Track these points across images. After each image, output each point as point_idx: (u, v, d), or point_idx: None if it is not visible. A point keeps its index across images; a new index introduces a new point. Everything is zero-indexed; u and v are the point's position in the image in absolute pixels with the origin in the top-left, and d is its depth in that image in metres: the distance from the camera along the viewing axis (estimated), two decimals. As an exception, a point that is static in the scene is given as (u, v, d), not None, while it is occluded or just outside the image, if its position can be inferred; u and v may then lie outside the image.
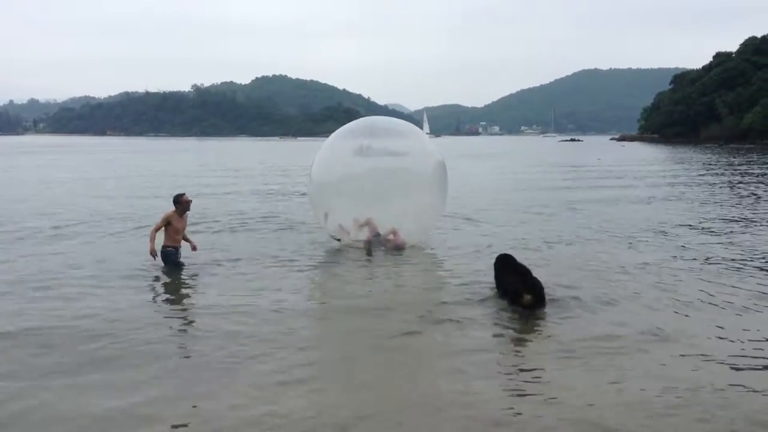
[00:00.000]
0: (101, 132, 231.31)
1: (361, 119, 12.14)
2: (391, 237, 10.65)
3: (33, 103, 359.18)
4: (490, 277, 8.52)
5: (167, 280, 8.99)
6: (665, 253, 10.77)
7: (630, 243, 11.76)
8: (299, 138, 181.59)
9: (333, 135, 11.51)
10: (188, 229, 9.97)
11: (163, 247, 9.39)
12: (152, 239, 9.30)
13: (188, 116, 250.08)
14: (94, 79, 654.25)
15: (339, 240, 10.94)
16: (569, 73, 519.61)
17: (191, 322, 7.18)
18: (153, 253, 9.22)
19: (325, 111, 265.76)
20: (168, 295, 8.35)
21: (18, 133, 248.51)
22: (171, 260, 9.40)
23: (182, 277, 9.15)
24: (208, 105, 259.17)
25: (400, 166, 10.81)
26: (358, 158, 10.93)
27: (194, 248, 9.71)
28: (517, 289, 7.40)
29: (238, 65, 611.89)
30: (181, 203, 9.52)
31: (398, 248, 10.57)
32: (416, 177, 10.80)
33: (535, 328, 6.87)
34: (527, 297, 7.29)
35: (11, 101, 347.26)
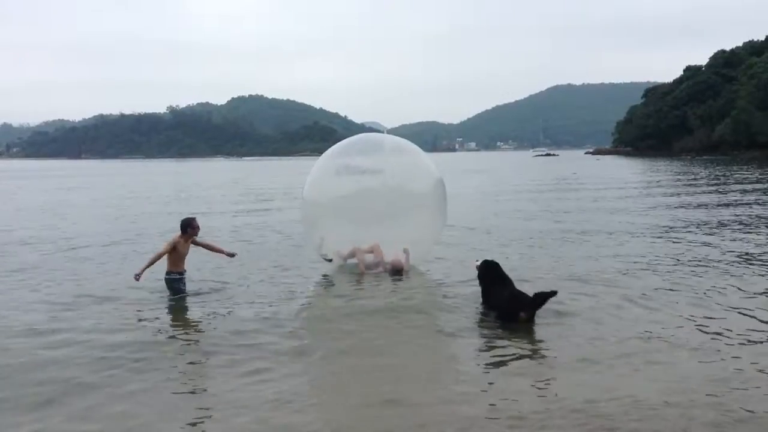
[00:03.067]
0: (76, 155, 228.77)
1: (355, 136, 11.84)
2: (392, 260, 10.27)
3: (6, 127, 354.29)
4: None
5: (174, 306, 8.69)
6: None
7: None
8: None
9: (325, 154, 11.20)
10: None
11: (167, 273, 8.97)
12: (150, 263, 8.80)
13: (164, 137, 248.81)
14: (68, 102, 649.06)
15: (330, 260, 10.70)
16: (543, 89, 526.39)
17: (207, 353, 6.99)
18: (137, 277, 8.66)
19: (302, 130, 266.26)
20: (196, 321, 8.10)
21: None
22: (175, 288, 8.97)
23: (188, 303, 8.81)
24: (184, 126, 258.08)
25: (397, 185, 10.39)
26: (352, 178, 10.65)
27: (232, 255, 9.46)
28: (515, 309, 7.51)
29: (213, 86, 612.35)
30: (193, 228, 9.06)
31: (398, 271, 10.15)
32: (414, 196, 10.44)
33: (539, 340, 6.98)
34: (523, 315, 7.47)
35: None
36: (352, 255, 10.41)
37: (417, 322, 7.74)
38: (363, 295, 9.15)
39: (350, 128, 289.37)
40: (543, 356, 6.49)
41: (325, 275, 10.52)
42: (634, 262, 11.07)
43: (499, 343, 6.88)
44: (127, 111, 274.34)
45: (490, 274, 8.13)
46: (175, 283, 8.99)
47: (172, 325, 7.85)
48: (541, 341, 6.96)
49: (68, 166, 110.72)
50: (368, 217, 10.18)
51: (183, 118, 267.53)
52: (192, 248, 9.28)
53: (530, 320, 7.50)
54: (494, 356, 6.48)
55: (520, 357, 6.45)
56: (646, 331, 7.03)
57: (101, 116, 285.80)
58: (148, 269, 8.77)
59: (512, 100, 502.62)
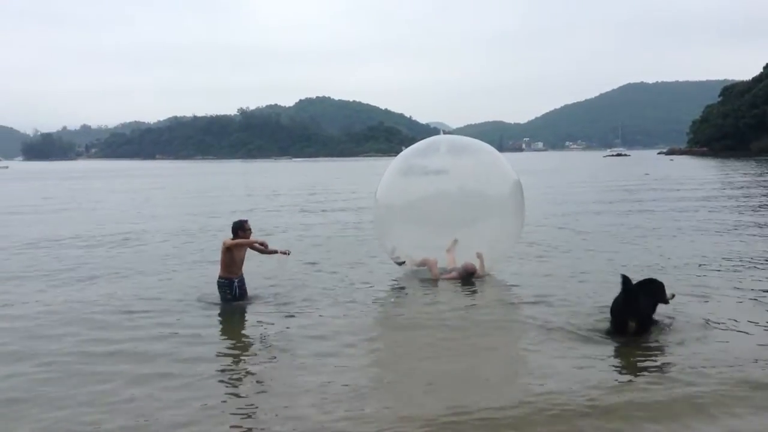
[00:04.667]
0: (151, 156, 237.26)
1: (431, 138, 11.66)
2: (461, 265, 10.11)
3: (85, 129, 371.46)
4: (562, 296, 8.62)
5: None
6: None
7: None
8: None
9: (400, 155, 11.08)
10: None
11: (219, 278, 8.84)
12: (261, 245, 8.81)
13: (234, 139, 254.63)
14: (144, 104, 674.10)
15: (402, 263, 10.56)
16: (615, 87, 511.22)
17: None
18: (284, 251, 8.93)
19: (367, 131, 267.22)
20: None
21: (71, 159, 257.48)
22: (222, 293, 8.79)
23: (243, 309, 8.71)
24: (253, 127, 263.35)
25: (473, 187, 10.18)
26: (426, 180, 10.48)
27: (286, 252, 9.13)
28: (621, 316, 6.97)
29: (282, 88, 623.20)
30: (244, 230, 8.81)
31: (470, 275, 9.96)
32: (491, 199, 10.22)
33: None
34: (632, 325, 6.94)
35: (64, 127, 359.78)
36: (423, 264, 10.32)
37: (487, 331, 7.60)
38: (433, 301, 9.10)
39: (415, 129, 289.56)
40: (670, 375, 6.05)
41: (396, 280, 10.46)
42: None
43: (572, 353, 6.66)
44: (200, 113, 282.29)
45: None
46: (223, 288, 8.79)
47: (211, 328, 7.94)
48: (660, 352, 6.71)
49: (152, 167, 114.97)
50: (443, 220, 10.01)
51: (252, 119, 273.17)
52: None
53: (642, 331, 6.94)
54: (573, 368, 6.30)
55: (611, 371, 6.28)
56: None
57: (175, 118, 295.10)
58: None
59: (582, 99, 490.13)
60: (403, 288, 10.07)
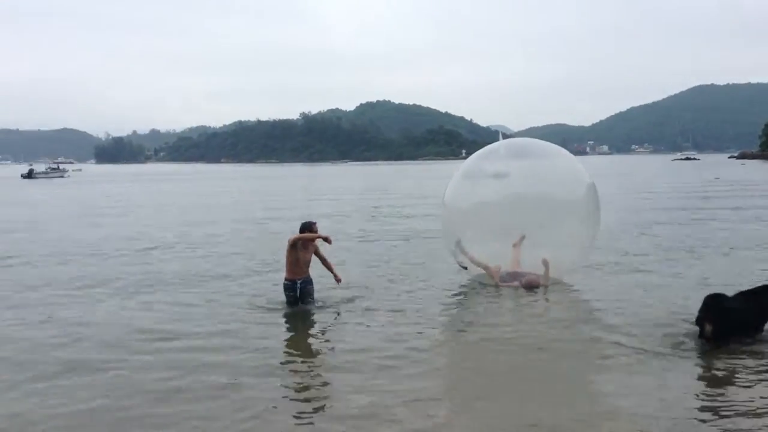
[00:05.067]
0: (216, 159, 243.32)
1: (501, 141, 11.49)
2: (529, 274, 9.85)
3: (154, 133, 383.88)
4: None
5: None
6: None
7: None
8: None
9: (469, 158, 10.93)
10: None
11: (284, 280, 8.77)
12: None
13: (297, 143, 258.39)
14: (211, 109, 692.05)
15: (465, 268, 10.43)
16: (684, 89, 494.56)
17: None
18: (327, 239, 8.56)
19: (426, 134, 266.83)
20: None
21: (140, 162, 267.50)
22: (287, 295, 8.72)
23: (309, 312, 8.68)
24: (314, 131, 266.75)
25: (545, 191, 9.94)
26: (496, 183, 10.27)
27: (339, 280, 8.98)
28: (701, 319, 6.64)
29: (343, 92, 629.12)
30: (312, 232, 8.67)
31: (532, 286, 9.70)
32: (563, 204, 9.94)
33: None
34: (708, 328, 6.62)
35: (134, 131, 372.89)
36: (486, 268, 10.15)
37: (554, 344, 7.28)
38: (497, 309, 8.94)
39: (475, 131, 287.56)
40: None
41: (461, 286, 10.27)
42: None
43: (647, 369, 6.34)
44: (264, 117, 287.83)
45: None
46: (286, 290, 8.72)
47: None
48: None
49: (217, 170, 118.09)
50: (511, 224, 9.83)
51: (314, 123, 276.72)
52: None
53: (718, 337, 6.51)
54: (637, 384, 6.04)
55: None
56: None
57: (239, 122, 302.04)
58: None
59: (649, 102, 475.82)
60: (466, 295, 9.94)
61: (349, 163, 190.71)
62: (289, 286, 8.67)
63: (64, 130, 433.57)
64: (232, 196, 38.09)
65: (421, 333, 7.73)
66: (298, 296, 8.69)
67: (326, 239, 8.54)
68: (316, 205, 29.71)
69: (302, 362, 6.92)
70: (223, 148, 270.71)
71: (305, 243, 8.59)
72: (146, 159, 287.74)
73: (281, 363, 6.87)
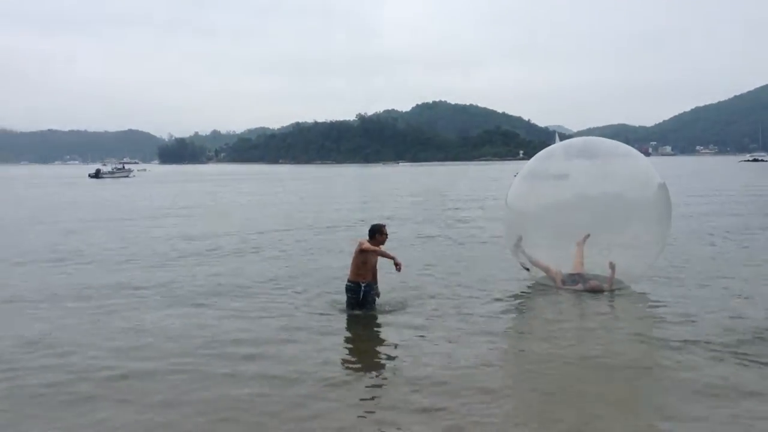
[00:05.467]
0: (274, 160, 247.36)
1: (568, 140, 11.15)
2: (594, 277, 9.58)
3: (215, 134, 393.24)
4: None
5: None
6: None
7: None
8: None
9: (533, 159, 10.68)
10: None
11: (347, 281, 8.60)
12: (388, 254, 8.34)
13: (353, 144, 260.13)
14: (270, 111, 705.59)
15: (528, 270, 10.20)
16: (751, 88, 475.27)
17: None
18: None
19: (483, 135, 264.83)
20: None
21: (202, 162, 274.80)
22: (348, 297, 8.53)
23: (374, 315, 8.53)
24: (370, 132, 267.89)
25: (612, 192, 9.62)
26: (560, 184, 10.00)
27: (398, 267, 8.32)
28: None
29: (400, 93, 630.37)
30: (381, 234, 8.52)
31: (595, 291, 9.39)
32: (632, 205, 9.59)
33: None
34: None
35: (196, 133, 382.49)
36: (547, 271, 9.94)
37: (615, 354, 7.01)
38: (558, 315, 8.71)
39: (533, 132, 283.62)
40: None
41: (521, 293, 10.02)
42: None
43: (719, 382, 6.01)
44: (321, 119, 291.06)
45: None
46: (349, 291, 8.54)
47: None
48: None
49: (275, 171, 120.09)
50: (578, 227, 9.53)
51: (370, 124, 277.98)
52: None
53: None
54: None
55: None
56: None
57: (297, 124, 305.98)
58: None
59: (714, 101, 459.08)
60: (526, 301, 9.71)
61: (405, 164, 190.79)
62: (353, 288, 8.50)
63: (130, 132, 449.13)
64: (293, 198, 38.54)
65: (479, 337, 7.61)
66: (360, 299, 8.51)
67: (397, 265, 8.27)
68: (373, 206, 29.76)
69: (362, 376, 6.66)
70: (281, 149, 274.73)
71: (374, 245, 8.41)
72: (207, 159, 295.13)
73: (341, 375, 6.58)
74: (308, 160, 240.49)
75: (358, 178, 75.06)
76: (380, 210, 26.71)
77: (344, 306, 8.75)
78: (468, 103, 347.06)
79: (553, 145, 10.97)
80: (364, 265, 8.41)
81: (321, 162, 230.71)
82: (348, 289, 8.54)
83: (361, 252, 8.38)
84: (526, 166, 10.77)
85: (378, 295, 8.76)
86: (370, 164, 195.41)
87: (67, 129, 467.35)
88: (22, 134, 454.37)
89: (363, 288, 8.47)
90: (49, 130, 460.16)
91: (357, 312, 8.52)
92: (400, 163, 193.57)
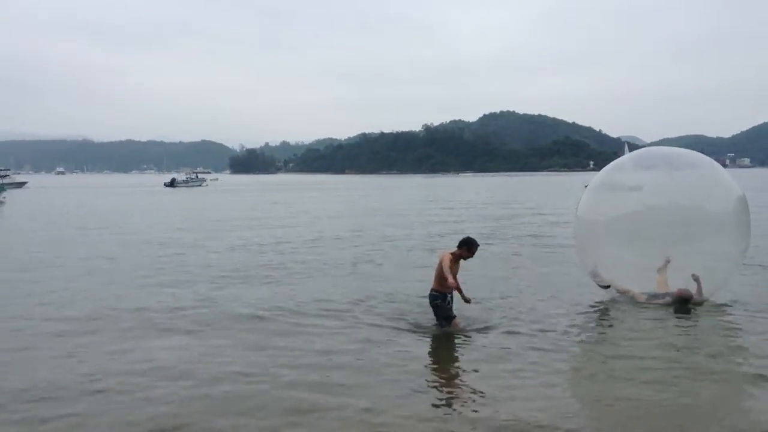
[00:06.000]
0: (341, 170, 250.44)
1: (641, 150, 10.85)
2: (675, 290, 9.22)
3: (284, 145, 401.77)
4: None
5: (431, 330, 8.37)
6: None
7: None
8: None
9: (605, 169, 10.45)
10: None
11: (431, 290, 8.34)
12: (454, 281, 8.06)
13: (418, 154, 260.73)
14: (337, 122, 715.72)
15: (606, 287, 9.84)
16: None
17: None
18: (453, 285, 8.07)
19: (552, 145, 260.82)
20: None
21: (272, 172, 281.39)
22: (438, 306, 8.29)
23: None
24: (436, 143, 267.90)
25: (690, 203, 9.36)
26: (634, 195, 9.76)
27: (468, 300, 8.40)
28: None
29: (466, 103, 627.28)
30: (469, 250, 8.19)
31: (684, 302, 9.06)
32: (710, 217, 9.32)
33: None
34: None
35: (266, 143, 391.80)
36: (626, 293, 9.61)
37: (706, 369, 6.76)
38: (641, 331, 8.37)
39: (604, 143, 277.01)
40: None
41: (600, 303, 9.77)
42: None
43: None
44: (387, 129, 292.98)
45: None
46: (436, 300, 8.29)
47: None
48: None
49: (343, 180, 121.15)
50: (653, 239, 9.29)
51: (436, 135, 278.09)
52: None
53: None
54: None
55: None
56: None
57: (363, 135, 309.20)
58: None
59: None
60: (608, 312, 9.42)
61: (470, 174, 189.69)
62: (439, 297, 8.27)
63: (203, 142, 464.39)
64: (362, 207, 38.95)
65: (558, 351, 7.43)
66: (442, 309, 8.31)
67: (466, 300, 8.31)
68: (439, 216, 29.74)
69: (442, 390, 6.55)
70: (347, 159, 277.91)
71: (456, 259, 8.21)
72: (277, 169, 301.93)
73: (423, 389, 6.46)
74: (373, 170, 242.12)
75: (428, 188, 75.03)
76: (448, 218, 26.64)
77: (427, 320, 8.60)
78: (536, 113, 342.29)
79: (625, 155, 10.67)
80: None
81: (386, 172, 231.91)
82: (434, 297, 8.28)
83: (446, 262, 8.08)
84: (597, 176, 10.58)
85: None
86: (436, 174, 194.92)
87: (144, 140, 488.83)
88: (103, 144, 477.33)
89: (449, 297, 8.30)
90: (128, 140, 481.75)
91: (446, 328, 8.28)
92: (460, 174, 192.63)
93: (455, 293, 8.36)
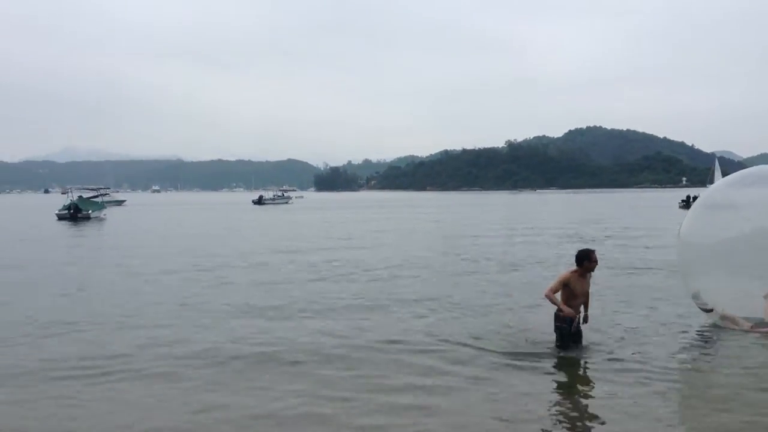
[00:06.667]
0: (422, 187, 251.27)
1: (751, 168, 10.19)
2: None
3: (367, 162, 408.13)
4: None
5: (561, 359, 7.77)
6: None
7: None
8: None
9: (711, 187, 9.90)
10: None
11: (557, 311, 7.86)
12: (557, 301, 7.74)
13: (501, 171, 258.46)
14: (418, 139, 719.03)
15: (709, 311, 9.25)
16: None
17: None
18: (571, 315, 7.74)
19: (642, 160, 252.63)
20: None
21: (354, 189, 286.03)
22: (560, 332, 7.86)
23: (586, 358, 7.79)
24: (519, 159, 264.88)
25: None
26: (743, 215, 9.19)
27: (585, 320, 7.96)
28: None
29: (551, 119, 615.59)
30: (591, 262, 7.81)
31: None
32: None
33: None
34: None
35: (349, 161, 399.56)
36: (729, 320, 8.97)
37: None
38: (746, 361, 7.68)
39: (697, 158, 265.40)
40: None
41: (704, 330, 9.13)
42: None
43: None
44: (469, 146, 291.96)
45: None
46: (560, 328, 7.85)
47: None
48: None
49: (426, 197, 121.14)
50: (762, 263, 8.64)
51: (519, 151, 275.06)
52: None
53: None
54: None
55: None
56: None
57: (445, 152, 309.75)
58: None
59: None
60: (710, 338, 8.82)
61: (554, 190, 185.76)
62: (566, 319, 7.80)
63: (289, 161, 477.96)
64: (454, 224, 38.73)
65: (669, 381, 6.92)
66: (571, 334, 7.86)
67: (584, 320, 7.96)
68: (527, 235, 29.10)
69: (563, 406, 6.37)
70: (428, 176, 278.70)
71: (584, 273, 7.81)
72: (359, 187, 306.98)
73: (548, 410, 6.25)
74: (455, 187, 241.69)
75: (513, 205, 73.82)
76: (535, 237, 26.01)
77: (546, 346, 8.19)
78: (625, 128, 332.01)
79: (733, 174, 9.95)
80: (573, 295, 7.76)
81: (467, 189, 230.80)
82: (559, 318, 7.85)
83: (571, 283, 7.76)
84: (703, 194, 9.99)
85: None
86: (519, 191, 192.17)
87: (233, 159, 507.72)
88: (194, 163, 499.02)
89: (578, 319, 7.85)
90: (218, 160, 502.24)
91: (567, 350, 7.86)
92: (536, 191, 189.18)
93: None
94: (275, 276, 15.54)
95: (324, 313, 10.92)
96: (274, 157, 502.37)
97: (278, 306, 11.48)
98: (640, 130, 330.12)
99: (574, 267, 7.89)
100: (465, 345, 8.52)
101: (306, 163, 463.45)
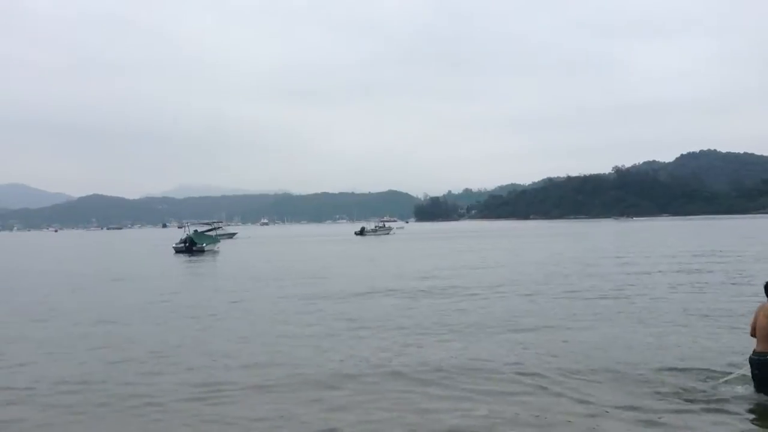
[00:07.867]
0: (525, 216, 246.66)
1: None
2: None
3: (467, 192, 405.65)
4: None
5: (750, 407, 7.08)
6: None
7: None
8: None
9: None
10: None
11: (753, 352, 7.10)
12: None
13: (608, 198, 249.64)
14: (521, 167, 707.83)
15: None
16: None
17: None
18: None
19: (761, 184, 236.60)
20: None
21: (454, 219, 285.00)
22: (754, 374, 7.09)
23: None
24: (628, 185, 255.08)
25: None
26: None
27: None
28: None
29: (661, 144, 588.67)
30: None
31: None
32: None
33: None
34: None
35: (449, 191, 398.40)
36: None
37: None
38: None
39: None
40: None
41: None
42: None
43: None
44: (573, 173, 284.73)
45: None
46: (753, 366, 7.08)
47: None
48: None
49: (532, 226, 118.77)
50: None
51: (628, 177, 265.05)
52: None
53: None
54: None
55: None
56: None
57: (549, 179, 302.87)
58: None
59: None
60: None
61: (668, 217, 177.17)
62: (761, 364, 7.04)
63: (389, 192, 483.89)
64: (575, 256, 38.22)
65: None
66: (763, 377, 7.08)
67: None
68: (644, 265, 28.30)
69: None
70: (531, 204, 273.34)
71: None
72: (459, 216, 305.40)
73: None
74: (560, 215, 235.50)
75: (624, 234, 71.34)
76: (661, 268, 25.24)
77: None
78: (742, 152, 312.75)
79: None
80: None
81: (573, 217, 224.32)
82: (754, 363, 7.13)
83: (760, 317, 7.07)
84: None
85: None
86: (629, 218, 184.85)
87: (337, 192, 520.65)
88: (300, 197, 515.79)
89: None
90: (322, 192, 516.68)
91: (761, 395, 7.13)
92: (667, 217, 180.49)
93: None
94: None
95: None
96: (375, 188, 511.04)
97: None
98: (758, 152, 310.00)
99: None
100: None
101: (406, 194, 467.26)
